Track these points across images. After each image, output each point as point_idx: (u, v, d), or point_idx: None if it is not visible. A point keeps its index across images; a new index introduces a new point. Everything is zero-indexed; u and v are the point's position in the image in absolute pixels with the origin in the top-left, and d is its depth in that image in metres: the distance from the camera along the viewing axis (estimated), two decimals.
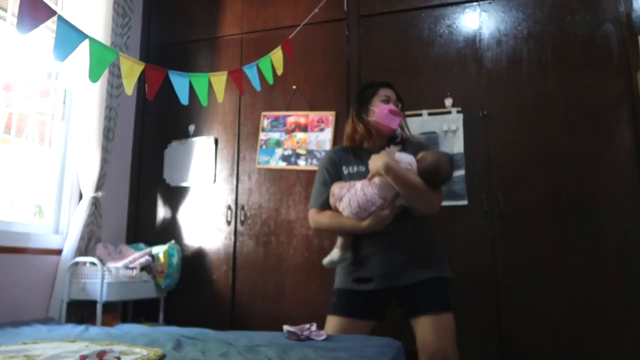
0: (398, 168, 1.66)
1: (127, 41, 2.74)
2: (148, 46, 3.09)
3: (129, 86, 1.59)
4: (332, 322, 1.83)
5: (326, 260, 1.84)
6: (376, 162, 1.69)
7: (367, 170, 1.77)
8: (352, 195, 1.72)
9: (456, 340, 1.75)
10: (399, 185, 1.67)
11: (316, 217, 1.87)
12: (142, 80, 1.64)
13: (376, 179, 1.70)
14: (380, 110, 1.85)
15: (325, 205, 1.85)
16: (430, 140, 2.43)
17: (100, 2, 2.55)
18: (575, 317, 2.14)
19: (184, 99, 1.71)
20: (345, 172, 1.87)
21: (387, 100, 1.87)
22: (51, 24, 2.38)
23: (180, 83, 1.72)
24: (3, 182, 2.40)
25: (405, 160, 1.71)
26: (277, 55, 2.17)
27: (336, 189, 1.79)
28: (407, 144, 1.89)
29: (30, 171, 2.52)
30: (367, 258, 1.79)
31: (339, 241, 1.82)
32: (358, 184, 1.73)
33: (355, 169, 1.86)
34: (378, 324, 1.86)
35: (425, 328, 1.71)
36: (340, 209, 1.76)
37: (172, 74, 1.70)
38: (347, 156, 1.90)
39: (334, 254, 1.82)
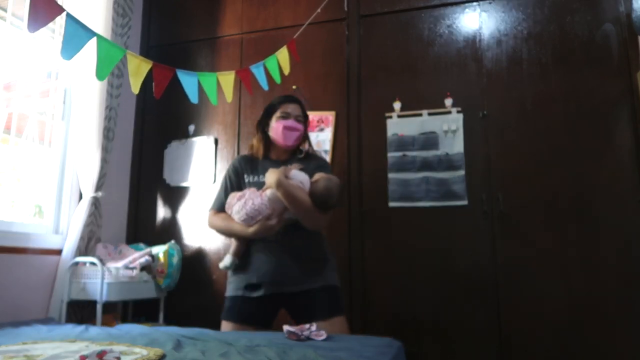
0: (288, 185, 1.78)
1: (127, 41, 2.74)
2: (148, 46, 3.09)
3: (136, 85, 1.57)
4: (224, 327, 1.91)
5: (221, 265, 1.94)
6: (271, 176, 1.81)
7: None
8: (242, 203, 1.84)
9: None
10: (287, 200, 1.78)
11: (211, 219, 2.00)
12: (145, 79, 1.64)
13: (268, 192, 1.82)
14: (277, 127, 1.96)
15: (221, 209, 1.97)
16: (430, 140, 2.44)
17: (100, 2, 2.55)
18: (575, 317, 2.14)
19: (194, 98, 1.70)
20: (247, 180, 1.99)
21: (286, 117, 1.96)
22: (52, 23, 2.39)
23: (189, 82, 1.71)
24: (3, 182, 2.40)
25: (299, 178, 1.84)
26: (282, 55, 2.17)
27: (231, 198, 1.92)
28: (310, 159, 2.00)
29: (30, 171, 2.52)
30: (257, 265, 1.89)
31: (232, 247, 1.94)
32: (249, 194, 1.85)
33: (256, 178, 1.98)
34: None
35: None
36: (232, 213, 1.88)
37: (181, 73, 1.69)
38: (251, 165, 2.02)
39: (227, 259, 1.93)
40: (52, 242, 2.43)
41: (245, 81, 2.00)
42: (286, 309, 1.93)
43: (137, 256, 2.43)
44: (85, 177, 2.49)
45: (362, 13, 2.67)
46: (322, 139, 2.60)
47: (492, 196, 2.31)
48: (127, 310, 2.69)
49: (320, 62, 2.70)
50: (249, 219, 1.84)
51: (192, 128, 2.89)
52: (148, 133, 3.00)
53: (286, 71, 2.19)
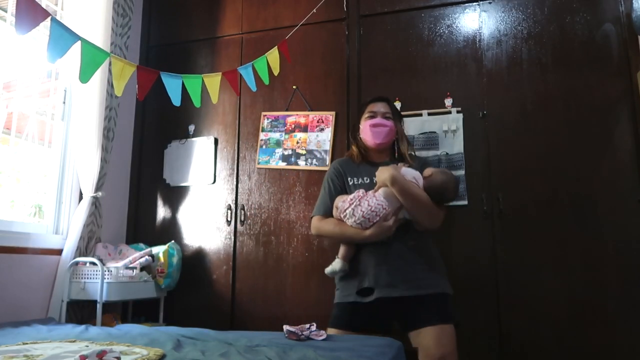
0: (404, 181, 1.72)
1: (127, 41, 2.74)
2: (148, 46, 3.09)
3: (119, 87, 1.63)
4: None
5: (328, 270, 1.87)
6: (383, 174, 1.75)
7: (372, 182, 1.83)
8: (356, 205, 1.76)
9: (457, 350, 1.76)
10: (403, 197, 1.72)
11: (319, 224, 1.92)
12: (134, 81, 1.66)
13: (381, 191, 1.75)
14: (364, 127, 1.95)
15: (328, 214, 1.91)
16: (430, 140, 2.43)
17: (100, 2, 2.55)
18: (575, 317, 2.14)
19: (176, 100, 1.75)
20: (351, 182, 1.93)
21: (373, 116, 1.94)
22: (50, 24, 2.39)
23: (172, 84, 1.74)
24: (3, 182, 2.40)
25: (411, 174, 1.78)
26: (273, 56, 2.17)
27: (339, 202, 1.84)
28: (412, 159, 1.95)
29: (30, 171, 2.52)
30: (368, 269, 1.81)
31: (341, 251, 1.85)
32: (362, 195, 1.78)
33: (360, 180, 1.92)
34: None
35: (427, 337, 1.73)
36: (344, 218, 1.80)
37: (165, 75, 1.72)
38: (354, 167, 1.96)
39: (336, 263, 1.84)
40: (52, 242, 2.43)
41: (232, 83, 1.99)
42: (396, 318, 1.83)
43: (137, 256, 2.43)
44: (85, 177, 2.49)
45: (362, 13, 2.67)
46: (322, 139, 2.60)
47: (492, 196, 2.31)
48: (127, 310, 2.69)
49: (320, 62, 2.70)
50: (365, 221, 1.75)
51: (192, 128, 2.89)
52: (148, 133, 3.00)
53: (276, 72, 2.18)
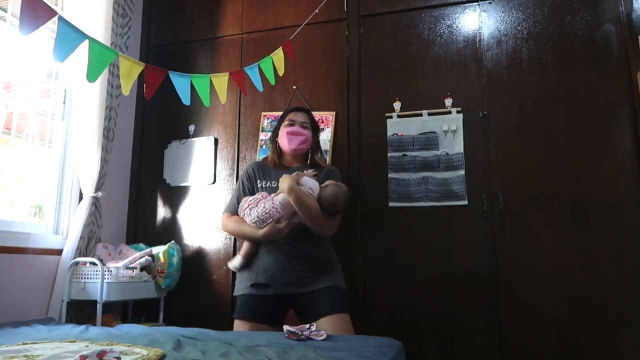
0: (299, 191, 1.89)
1: (127, 41, 2.74)
2: (148, 46, 3.09)
3: (127, 87, 1.62)
4: (238, 326, 1.97)
5: (230, 265, 2.07)
6: (284, 182, 1.93)
7: (278, 186, 2.00)
8: (253, 206, 1.94)
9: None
10: (297, 206, 1.89)
11: (225, 221, 2.10)
12: (141, 80, 1.65)
13: (280, 196, 1.92)
14: (282, 133, 2.11)
15: (234, 212, 2.09)
16: (430, 140, 2.43)
17: (100, 2, 2.55)
18: (575, 317, 2.14)
19: (186, 100, 1.75)
20: (259, 185, 2.10)
21: (292, 124, 2.10)
22: (51, 24, 2.39)
23: (181, 84, 1.73)
24: (3, 182, 2.40)
25: (309, 184, 1.94)
26: (278, 56, 2.18)
27: (243, 201, 2.02)
28: (321, 167, 2.12)
29: (30, 171, 2.52)
30: (265, 266, 1.97)
31: (243, 249, 2.02)
32: (261, 198, 1.96)
33: (268, 183, 2.09)
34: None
35: (324, 326, 1.82)
36: (243, 216, 1.99)
37: (173, 74, 1.71)
38: (266, 170, 2.13)
39: (235, 260, 2.03)
40: (52, 242, 2.42)
41: (239, 83, 2.02)
42: (293, 308, 2.00)
43: (137, 256, 2.43)
44: (85, 177, 2.49)
45: (362, 13, 2.67)
46: (322, 139, 2.60)
47: (492, 196, 2.31)
48: (127, 310, 2.69)
49: (320, 62, 2.70)
50: (259, 222, 1.93)
51: (192, 128, 2.89)
52: (148, 133, 3.00)
53: (281, 72, 2.23)
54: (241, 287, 2.03)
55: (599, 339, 2.10)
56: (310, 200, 1.90)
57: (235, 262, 2.03)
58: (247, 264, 2.03)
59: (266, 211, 1.91)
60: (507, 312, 2.22)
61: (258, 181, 2.11)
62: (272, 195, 1.97)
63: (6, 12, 2.34)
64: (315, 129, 2.18)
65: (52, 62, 2.57)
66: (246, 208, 1.97)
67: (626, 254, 2.12)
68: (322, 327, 1.83)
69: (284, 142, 2.10)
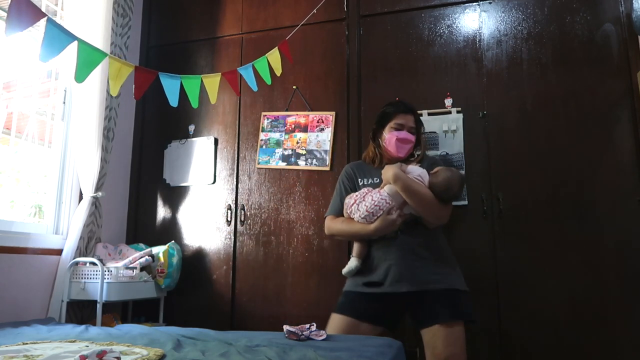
0: (406, 178, 1.77)
1: (127, 41, 2.74)
2: (148, 46, 3.09)
3: (115, 88, 1.64)
4: (335, 320, 1.88)
5: (345, 270, 1.92)
6: (387, 171, 1.82)
7: (381, 182, 1.89)
8: (360, 201, 1.83)
9: (465, 350, 1.79)
10: (406, 194, 1.77)
11: (330, 224, 2.00)
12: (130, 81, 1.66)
13: (386, 187, 1.81)
14: (390, 138, 1.97)
15: (339, 214, 1.98)
16: (430, 140, 2.43)
17: (100, 2, 2.55)
18: (575, 317, 2.14)
19: (174, 101, 1.76)
20: (361, 183, 2.00)
21: (399, 128, 1.97)
22: None
23: (170, 85, 1.75)
24: (3, 182, 2.40)
25: (416, 172, 1.82)
26: (274, 56, 2.18)
27: (347, 198, 1.92)
28: (424, 159, 2.00)
29: (30, 171, 2.52)
30: (378, 264, 1.86)
31: (355, 249, 1.91)
32: (367, 191, 1.85)
33: (370, 180, 1.98)
34: (385, 331, 1.88)
35: (435, 335, 1.75)
36: (351, 214, 1.87)
37: (163, 76, 1.73)
38: (365, 169, 2.02)
39: (351, 262, 1.90)
40: (52, 242, 2.42)
41: (232, 83, 2.00)
42: (407, 311, 1.88)
43: (137, 256, 2.43)
44: (85, 177, 2.49)
45: (362, 13, 2.67)
46: (322, 139, 2.60)
47: (492, 196, 2.31)
48: (127, 310, 2.69)
49: (320, 62, 2.70)
50: (369, 216, 1.82)
51: (192, 128, 2.89)
52: (148, 133, 3.00)
53: (278, 72, 2.20)
54: (352, 284, 1.91)
55: (599, 339, 2.10)
56: (420, 186, 1.78)
57: (350, 265, 1.89)
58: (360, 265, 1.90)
59: (375, 203, 1.79)
60: (507, 312, 2.22)
61: (359, 179, 2.01)
62: (378, 188, 1.86)
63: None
64: (421, 127, 2.07)
65: (52, 62, 2.57)
66: (352, 204, 1.86)
67: (626, 254, 2.12)
68: (433, 335, 1.75)
69: (391, 148, 1.97)
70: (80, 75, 1.51)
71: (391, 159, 2.00)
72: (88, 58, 1.52)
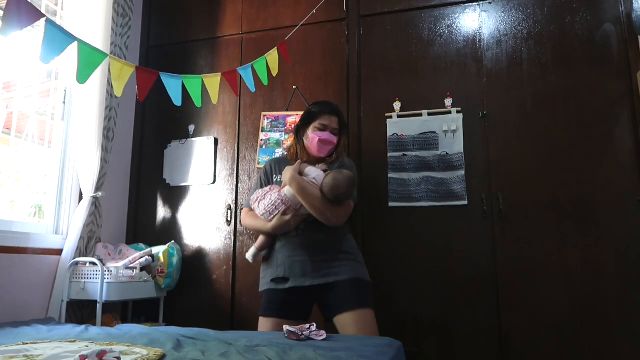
0: (300, 180, 1.88)
1: (127, 41, 2.74)
2: (148, 46, 3.09)
3: (118, 88, 1.64)
4: (262, 325, 1.97)
5: (246, 256, 2.04)
6: (285, 174, 1.92)
7: None
8: (261, 199, 1.95)
9: (379, 333, 1.86)
10: (300, 196, 1.86)
11: (243, 217, 2.12)
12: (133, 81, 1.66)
13: (285, 188, 1.91)
14: (313, 138, 2.03)
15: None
16: (430, 140, 2.44)
17: (100, 2, 2.55)
18: (575, 317, 2.14)
19: (177, 100, 1.77)
20: (274, 179, 2.09)
21: (323, 129, 2.03)
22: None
23: (172, 85, 1.75)
24: (3, 182, 2.40)
25: (313, 174, 1.92)
26: (272, 57, 2.18)
27: (254, 194, 2.02)
28: (337, 161, 2.06)
29: (30, 171, 2.52)
30: (281, 260, 1.96)
31: (257, 241, 2.02)
32: (269, 190, 1.95)
33: (281, 177, 2.03)
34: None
35: (346, 324, 1.83)
36: (254, 210, 2.00)
37: (164, 76, 1.72)
38: (282, 165, 2.08)
39: (250, 251, 2.04)
40: (52, 242, 2.43)
41: (231, 83, 2.01)
42: (317, 302, 1.98)
43: (137, 256, 2.43)
44: (85, 177, 2.49)
45: (362, 13, 2.67)
46: None
47: (492, 196, 2.31)
48: (127, 310, 2.69)
49: (320, 62, 2.70)
50: (267, 214, 1.93)
51: (192, 128, 2.89)
52: (148, 133, 3.01)
53: (274, 73, 2.21)
54: (263, 282, 2.02)
55: (599, 339, 2.10)
56: (312, 189, 1.87)
57: (249, 253, 2.02)
58: (265, 257, 2.02)
59: (272, 203, 1.90)
60: (507, 312, 2.22)
61: (274, 176, 2.10)
62: (279, 187, 1.95)
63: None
64: (346, 130, 2.13)
65: (52, 62, 2.57)
66: (255, 201, 1.97)
67: (626, 254, 2.12)
68: (343, 324, 1.85)
69: (313, 147, 2.03)
70: (82, 76, 1.51)
71: (311, 157, 2.06)
72: (89, 59, 1.52)
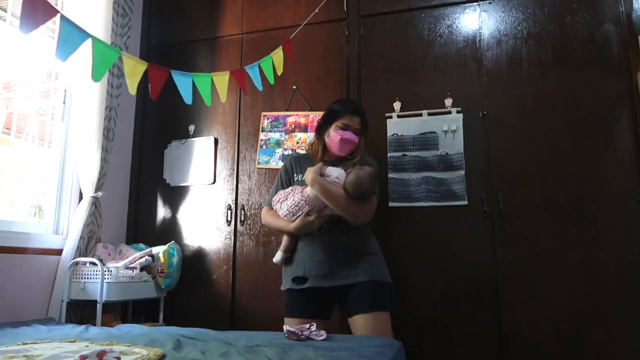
0: (322, 181, 1.86)
1: (127, 41, 2.74)
2: (148, 46, 3.09)
3: (133, 86, 1.60)
4: (287, 324, 1.93)
5: (274, 260, 2.05)
6: (307, 175, 1.91)
7: None
8: (283, 200, 1.95)
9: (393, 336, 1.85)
10: (323, 196, 1.85)
11: (264, 215, 2.12)
12: (143, 79, 1.65)
13: (307, 189, 1.90)
14: (334, 137, 2.02)
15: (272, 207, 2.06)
16: (430, 140, 2.43)
17: (100, 2, 2.55)
18: (575, 317, 2.14)
19: (188, 99, 1.74)
20: (296, 178, 2.08)
21: (345, 128, 2.03)
22: (51, 23, 2.39)
23: (183, 83, 1.73)
24: (3, 182, 2.40)
25: (334, 174, 1.91)
26: (277, 56, 2.18)
27: (277, 194, 2.02)
28: (360, 161, 2.04)
29: (30, 171, 2.52)
30: (302, 259, 1.97)
31: (282, 243, 2.03)
32: (292, 191, 1.95)
33: (304, 177, 2.02)
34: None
35: (358, 326, 1.84)
36: (277, 210, 2.00)
37: (175, 73, 1.71)
38: (304, 163, 2.08)
39: (277, 255, 2.03)
40: (52, 242, 2.43)
41: (240, 82, 2.01)
42: (337, 302, 1.98)
43: (137, 256, 2.43)
44: (85, 177, 2.49)
45: (362, 13, 2.67)
46: None
47: (492, 196, 2.31)
48: (127, 310, 2.69)
49: (320, 62, 2.70)
50: (290, 215, 1.93)
51: (192, 128, 2.89)
52: (148, 133, 3.00)
53: (279, 72, 2.20)
54: (285, 282, 2.03)
55: (599, 338, 2.10)
56: (335, 189, 1.86)
57: (276, 257, 2.03)
58: (289, 258, 2.02)
59: (295, 204, 1.90)
60: (507, 312, 2.22)
61: (295, 175, 2.09)
62: (297, 188, 1.95)
63: (6, 12, 2.34)
64: (366, 130, 2.11)
65: (52, 62, 2.57)
66: (278, 202, 1.97)
67: (626, 254, 2.12)
68: (355, 325, 1.86)
69: (334, 146, 2.02)
70: (97, 74, 1.50)
71: (332, 155, 2.06)
72: (103, 56, 1.51)
